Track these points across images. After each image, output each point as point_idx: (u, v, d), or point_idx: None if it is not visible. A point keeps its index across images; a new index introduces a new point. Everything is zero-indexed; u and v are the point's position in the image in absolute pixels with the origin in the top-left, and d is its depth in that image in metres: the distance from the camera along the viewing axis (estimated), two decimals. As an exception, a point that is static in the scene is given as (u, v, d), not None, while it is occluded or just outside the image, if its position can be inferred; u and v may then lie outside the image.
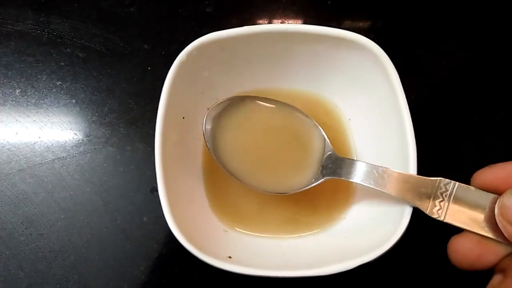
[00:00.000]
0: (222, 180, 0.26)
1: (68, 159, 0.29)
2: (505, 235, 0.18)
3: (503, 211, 0.18)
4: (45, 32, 0.32)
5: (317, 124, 0.26)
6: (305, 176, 0.25)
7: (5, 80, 0.30)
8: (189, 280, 0.26)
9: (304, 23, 0.34)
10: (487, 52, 0.33)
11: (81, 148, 0.29)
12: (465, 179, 0.21)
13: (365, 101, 0.26)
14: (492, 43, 0.33)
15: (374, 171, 0.22)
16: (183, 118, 0.25)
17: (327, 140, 0.25)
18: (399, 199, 0.21)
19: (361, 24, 0.34)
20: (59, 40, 0.32)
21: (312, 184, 0.24)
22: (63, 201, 0.28)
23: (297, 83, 0.28)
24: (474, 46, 0.33)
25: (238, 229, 0.25)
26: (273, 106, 0.26)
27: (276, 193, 0.25)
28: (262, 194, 0.25)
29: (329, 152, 0.25)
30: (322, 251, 0.24)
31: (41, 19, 0.32)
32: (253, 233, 0.26)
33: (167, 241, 0.27)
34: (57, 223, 0.27)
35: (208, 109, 0.25)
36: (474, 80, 0.32)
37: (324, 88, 0.28)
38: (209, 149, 0.25)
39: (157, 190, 0.22)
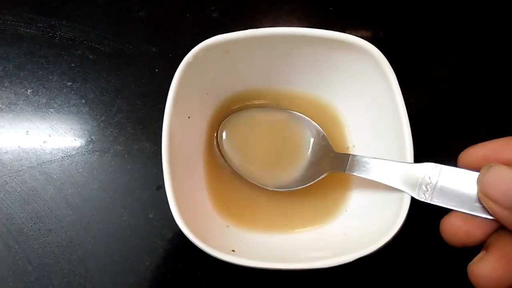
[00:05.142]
0: (223, 178, 0.27)
1: (77, 157, 0.29)
2: (487, 209, 0.19)
3: (481, 187, 0.18)
4: (56, 35, 0.33)
5: (315, 123, 0.27)
6: (305, 172, 0.26)
7: (17, 81, 0.31)
8: (193, 275, 0.27)
9: (307, 28, 0.34)
10: (485, 58, 0.33)
11: (90, 146, 0.30)
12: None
13: (364, 101, 0.27)
14: (490, 49, 0.33)
15: (366, 161, 0.23)
16: (189, 117, 0.26)
17: (326, 136, 0.26)
18: (396, 190, 0.22)
19: (362, 29, 0.35)
20: (70, 42, 0.33)
21: (313, 180, 0.25)
22: (72, 197, 0.28)
23: (298, 84, 0.29)
24: (472, 51, 0.34)
25: (240, 225, 0.26)
26: (274, 111, 0.28)
27: (279, 190, 0.26)
28: (262, 191, 0.26)
29: (328, 149, 0.26)
30: (323, 244, 0.24)
31: (53, 23, 0.33)
32: (254, 228, 0.26)
33: (172, 237, 0.27)
34: (65, 219, 0.28)
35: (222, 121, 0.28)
36: (472, 84, 0.32)
37: (324, 89, 0.29)
38: (222, 155, 0.27)
39: (163, 188, 0.22)
